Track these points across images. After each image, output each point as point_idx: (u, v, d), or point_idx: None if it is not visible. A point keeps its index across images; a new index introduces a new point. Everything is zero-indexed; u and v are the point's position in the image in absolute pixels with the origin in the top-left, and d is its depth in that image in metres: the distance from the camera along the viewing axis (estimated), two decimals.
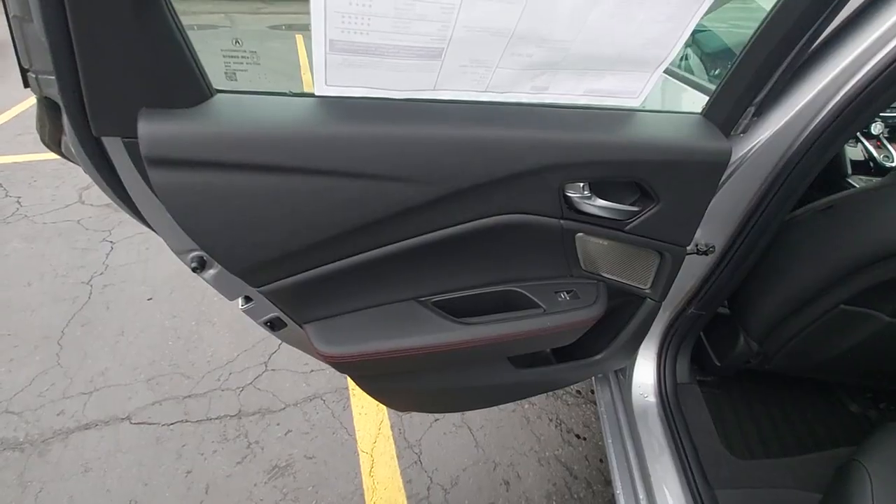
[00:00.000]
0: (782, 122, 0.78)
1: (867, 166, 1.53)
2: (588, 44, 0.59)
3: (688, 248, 0.84)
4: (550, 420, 1.60)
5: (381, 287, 0.74)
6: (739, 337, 1.13)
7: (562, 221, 0.72)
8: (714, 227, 0.94)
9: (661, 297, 0.90)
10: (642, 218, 0.75)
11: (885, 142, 1.56)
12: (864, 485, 0.73)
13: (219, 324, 1.91)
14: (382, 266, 0.69)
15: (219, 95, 0.52)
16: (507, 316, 0.79)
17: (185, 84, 0.49)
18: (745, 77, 0.68)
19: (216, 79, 0.53)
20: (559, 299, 0.82)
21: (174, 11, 0.45)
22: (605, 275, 0.86)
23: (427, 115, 0.60)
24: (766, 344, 1.08)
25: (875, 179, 1.46)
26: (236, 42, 0.55)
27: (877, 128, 1.57)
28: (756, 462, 1.02)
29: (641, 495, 1.00)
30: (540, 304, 0.81)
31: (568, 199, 0.71)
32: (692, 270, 1.03)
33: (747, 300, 1.10)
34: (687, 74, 1.60)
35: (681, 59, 1.90)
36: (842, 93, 0.72)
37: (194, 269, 0.63)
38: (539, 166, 0.64)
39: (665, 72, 0.68)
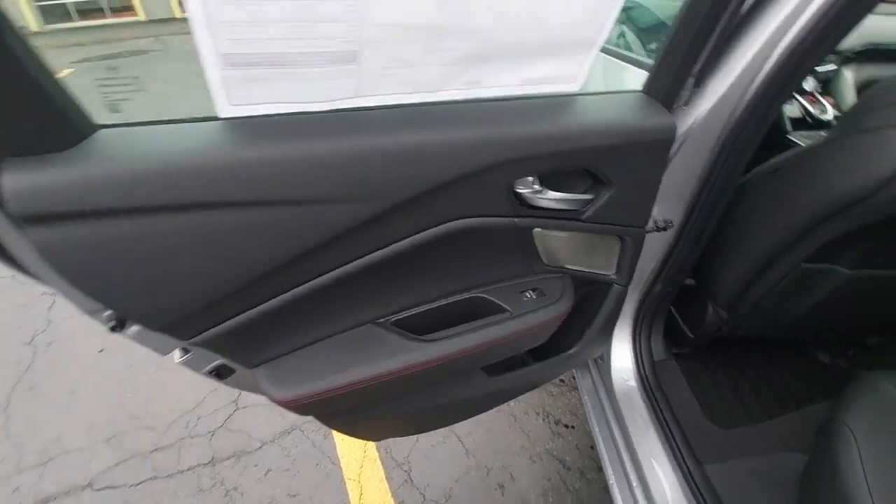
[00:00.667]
0: (723, 90, 0.77)
1: (804, 122, 1.58)
2: (515, 31, 0.55)
3: (646, 227, 0.82)
4: (537, 414, 1.57)
5: (332, 316, 0.69)
6: (708, 307, 1.13)
7: (516, 219, 0.68)
8: (670, 202, 0.92)
9: (627, 280, 0.88)
10: (598, 205, 0.72)
11: (819, 96, 1.61)
12: (849, 446, 0.73)
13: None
14: (329, 293, 0.63)
15: (101, 132, 0.45)
16: (472, 326, 0.74)
17: (56, 124, 0.42)
18: (681, 49, 0.66)
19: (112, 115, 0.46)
20: (525, 299, 0.79)
21: (27, 46, 0.38)
22: (569, 267, 0.83)
23: (353, 125, 0.54)
24: (733, 311, 1.08)
25: (814, 133, 1.50)
26: (111, 69, 0.47)
27: (809, 84, 1.61)
28: (740, 430, 1.02)
29: (634, 481, 0.98)
30: (506, 307, 0.77)
31: (519, 196, 0.67)
32: (654, 248, 1.01)
33: (711, 269, 1.10)
34: (626, 52, 1.60)
35: (618, 37, 1.91)
36: (777, 52, 0.71)
37: (113, 329, 0.55)
38: (483, 166, 0.60)
39: (604, 51, 0.66)
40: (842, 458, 0.73)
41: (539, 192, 0.68)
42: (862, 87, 1.59)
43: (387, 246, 0.63)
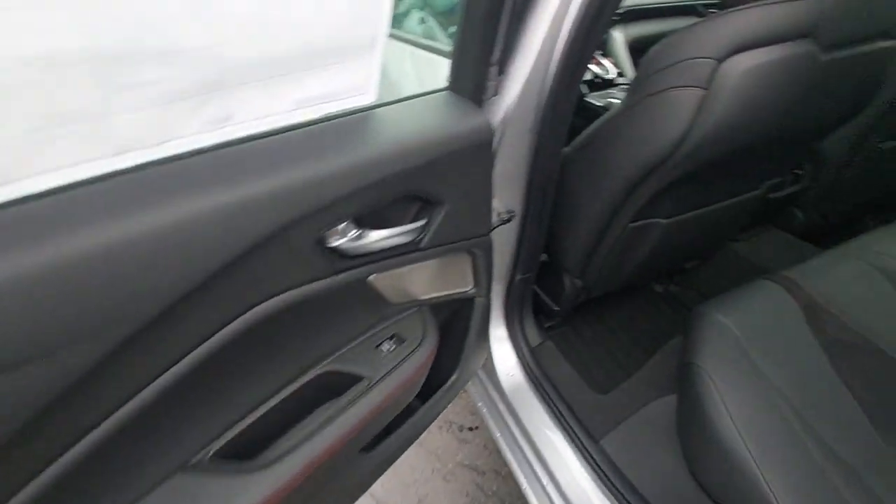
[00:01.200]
0: (527, 72, 0.73)
1: (594, 83, 1.73)
2: (255, 43, 0.40)
3: (491, 227, 0.76)
4: (440, 428, 1.50)
5: (121, 481, 0.47)
6: (564, 279, 1.16)
7: (339, 277, 0.54)
8: (507, 192, 0.89)
9: (488, 290, 0.82)
10: (433, 228, 0.62)
11: (600, 58, 1.78)
12: (708, 387, 0.78)
13: None
14: (103, 455, 0.42)
15: None
16: (327, 416, 0.59)
17: None
18: (476, 39, 0.58)
19: None
20: (384, 353, 0.66)
21: None
22: (424, 298, 0.72)
23: (23, 228, 0.33)
24: (584, 277, 1.12)
25: (606, 92, 1.64)
26: None
27: None
28: (621, 389, 1.08)
29: (545, 480, 0.96)
30: (362, 374, 0.63)
31: (336, 250, 0.53)
32: (503, 241, 0.98)
33: (559, 244, 1.12)
34: (430, 42, 1.54)
35: (419, 23, 1.85)
36: (567, 24, 0.69)
37: None
38: (272, 230, 0.44)
39: (406, 42, 0.54)
40: (705, 402, 0.78)
41: (358, 237, 0.54)
42: (632, 44, 1.79)
43: (164, 372, 0.43)
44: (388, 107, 0.58)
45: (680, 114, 0.75)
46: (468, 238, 0.69)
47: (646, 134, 0.80)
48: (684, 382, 0.86)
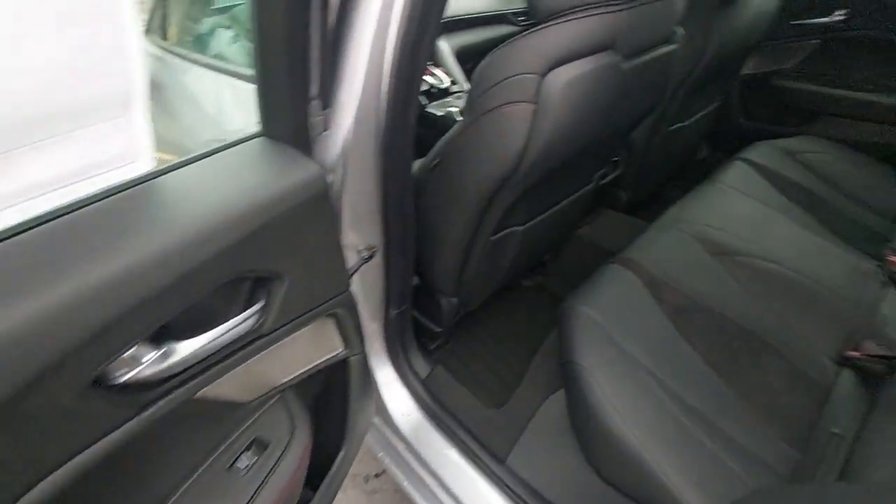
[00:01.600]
0: (358, 95, 0.65)
1: (431, 94, 1.75)
2: None
3: (350, 274, 0.68)
4: (344, 487, 1.35)
5: None
6: (440, 300, 1.13)
7: (146, 414, 0.40)
8: (365, 226, 0.81)
9: (360, 345, 0.73)
10: (276, 306, 0.50)
11: (433, 69, 1.80)
12: (590, 384, 0.82)
13: None
14: None
15: None
16: None
17: None
18: (281, 72, 0.48)
19: None
20: (241, 472, 0.52)
21: None
22: (285, 381, 0.60)
23: None
24: (460, 295, 1.10)
25: (443, 101, 1.66)
26: None
27: None
28: (515, 398, 1.08)
29: None
30: None
31: (128, 386, 0.38)
32: (371, 278, 0.90)
33: (428, 267, 1.08)
34: (244, 70, 1.35)
35: (230, 43, 1.63)
36: (390, 42, 0.63)
37: None
38: (27, 379, 0.29)
39: (218, 70, 0.41)
40: (590, 398, 0.81)
41: (162, 356, 0.40)
42: (458, 53, 1.85)
43: None
44: (185, 168, 0.45)
45: (517, 128, 0.75)
46: (323, 302, 0.59)
47: (490, 150, 0.80)
48: (568, 381, 0.89)
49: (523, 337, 1.29)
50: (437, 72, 1.81)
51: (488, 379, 1.18)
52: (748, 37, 1.47)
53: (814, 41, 1.75)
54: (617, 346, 0.89)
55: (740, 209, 1.32)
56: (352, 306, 0.66)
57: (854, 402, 0.85)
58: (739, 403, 0.85)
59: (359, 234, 0.81)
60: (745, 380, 0.89)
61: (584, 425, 0.86)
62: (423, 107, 1.70)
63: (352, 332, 0.68)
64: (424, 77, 1.74)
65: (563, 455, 0.92)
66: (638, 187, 1.66)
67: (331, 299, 0.60)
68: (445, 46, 1.89)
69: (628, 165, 1.54)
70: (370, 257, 0.83)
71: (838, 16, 1.68)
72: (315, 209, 0.53)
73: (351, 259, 0.82)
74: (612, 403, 0.79)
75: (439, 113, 1.63)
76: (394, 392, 1.03)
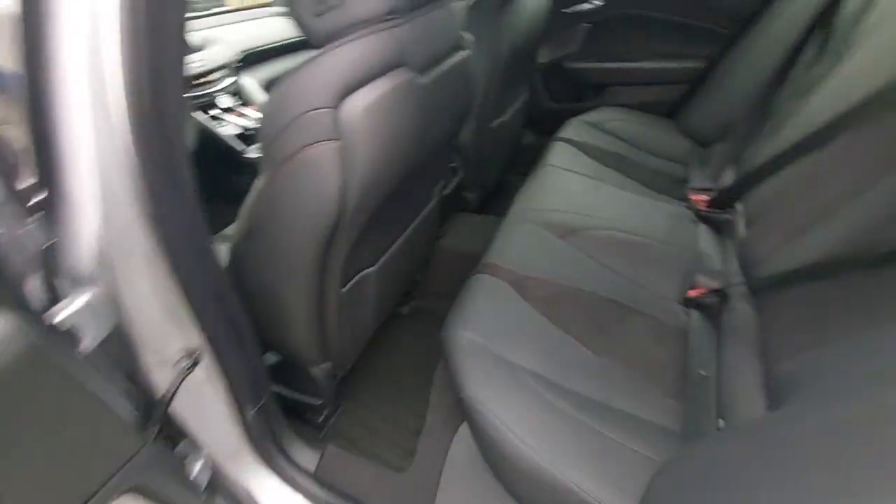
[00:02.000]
0: (96, 184, 0.49)
1: (246, 137, 1.56)
2: None
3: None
4: None
5: None
6: (311, 370, 0.98)
7: None
8: (175, 332, 0.64)
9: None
10: None
11: (242, 109, 1.60)
12: (488, 418, 0.76)
13: None
14: None
15: None
16: None
17: None
18: None
19: None
20: None
21: None
22: None
23: None
24: (331, 358, 0.97)
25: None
26: None
27: (224, 100, 1.57)
28: (422, 450, 0.99)
29: None
30: None
31: None
32: (208, 385, 0.73)
33: (284, 342, 0.92)
34: None
35: None
36: (118, 99, 0.47)
37: None
38: None
39: None
40: (492, 433, 0.75)
41: None
42: (268, 87, 1.68)
43: None
44: None
45: (326, 171, 0.66)
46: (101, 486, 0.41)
47: (304, 203, 0.69)
48: (468, 418, 0.82)
49: (414, 371, 1.21)
50: (247, 111, 1.62)
51: (390, 433, 1.06)
52: (533, 28, 1.59)
53: (586, 25, 1.99)
54: (503, 361, 0.85)
55: (571, 186, 1.42)
56: (164, 458, 0.49)
57: (706, 338, 0.94)
58: (621, 372, 0.87)
59: (171, 340, 0.63)
60: (620, 347, 0.92)
61: (494, 459, 0.80)
62: (241, 153, 1.51)
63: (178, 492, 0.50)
64: (234, 119, 1.55)
65: (485, 495, 0.85)
66: (480, 184, 1.70)
67: (116, 473, 0.43)
68: (252, 82, 1.71)
69: (466, 169, 1.56)
70: (194, 364, 0.66)
71: (597, 1, 1.94)
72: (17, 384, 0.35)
73: (165, 378, 0.64)
74: (514, 431, 0.74)
75: (259, 155, 1.45)
76: (280, 501, 0.85)
